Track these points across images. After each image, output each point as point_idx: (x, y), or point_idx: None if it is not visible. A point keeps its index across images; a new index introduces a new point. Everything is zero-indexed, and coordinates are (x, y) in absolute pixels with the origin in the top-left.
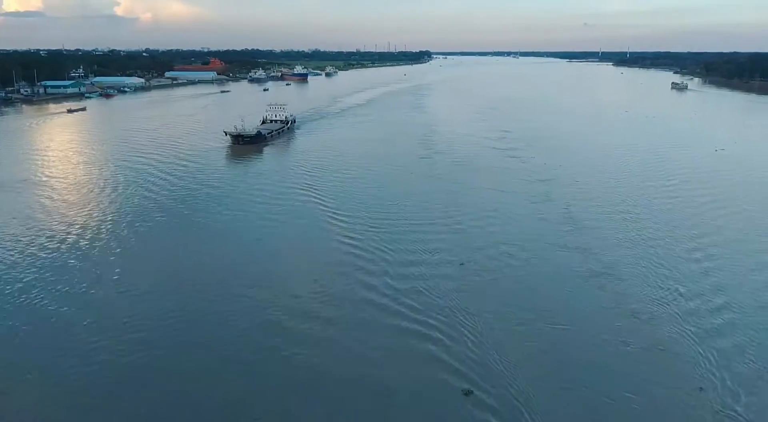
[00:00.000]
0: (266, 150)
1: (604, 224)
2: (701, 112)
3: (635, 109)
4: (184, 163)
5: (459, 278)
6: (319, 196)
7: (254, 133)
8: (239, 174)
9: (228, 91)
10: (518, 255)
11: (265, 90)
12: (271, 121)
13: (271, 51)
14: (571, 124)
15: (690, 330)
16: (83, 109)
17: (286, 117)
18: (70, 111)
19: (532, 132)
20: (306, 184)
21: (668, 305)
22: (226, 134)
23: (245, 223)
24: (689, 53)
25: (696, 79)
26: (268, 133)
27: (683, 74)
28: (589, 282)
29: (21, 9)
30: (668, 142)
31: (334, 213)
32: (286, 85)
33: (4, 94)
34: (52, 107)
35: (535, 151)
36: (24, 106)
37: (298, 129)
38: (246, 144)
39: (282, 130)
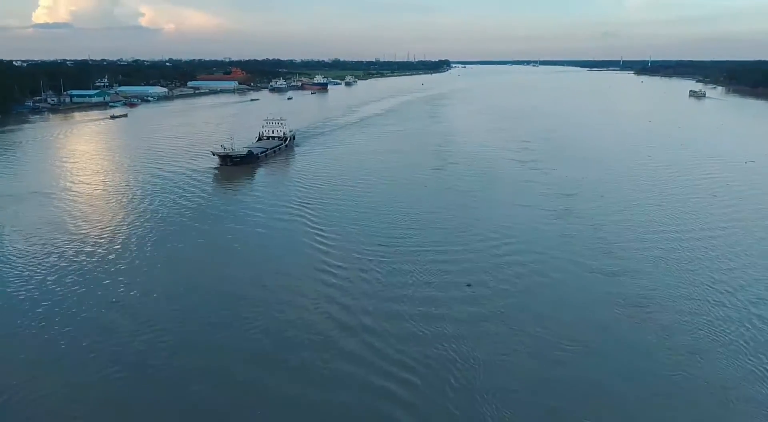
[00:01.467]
0: (259, 172)
1: (636, 244)
2: (723, 120)
3: (657, 118)
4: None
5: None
6: (312, 226)
7: (244, 152)
8: (222, 202)
9: (257, 100)
10: (540, 280)
11: (289, 99)
12: (268, 138)
13: (291, 61)
14: (594, 134)
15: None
16: (125, 116)
17: (284, 133)
18: (113, 117)
19: (552, 143)
20: (300, 216)
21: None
22: (213, 155)
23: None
24: (712, 61)
25: (719, 88)
26: (262, 152)
27: (706, 83)
28: (627, 313)
29: (50, 21)
30: (695, 153)
31: (328, 250)
32: (311, 93)
33: (32, 104)
34: (78, 116)
35: (556, 163)
36: (50, 114)
37: (297, 146)
38: (235, 165)
39: (279, 147)
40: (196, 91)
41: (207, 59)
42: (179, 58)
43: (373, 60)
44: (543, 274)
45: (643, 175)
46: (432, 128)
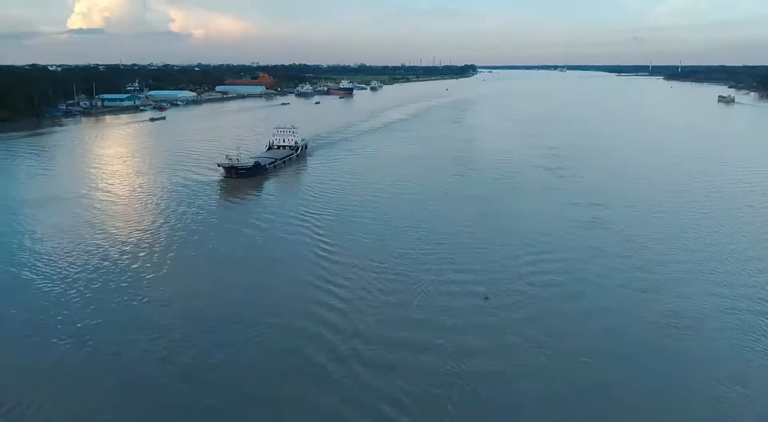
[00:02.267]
0: (267, 184)
1: (671, 257)
2: (757, 128)
3: (689, 124)
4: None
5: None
6: (320, 247)
7: (251, 164)
8: (219, 220)
9: (288, 104)
10: (571, 309)
11: (317, 103)
12: (279, 147)
13: (318, 66)
14: (623, 140)
15: None
16: (163, 119)
17: (296, 142)
18: (152, 119)
19: (580, 150)
20: (306, 232)
21: None
22: (218, 166)
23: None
24: (744, 67)
25: (752, 94)
26: (270, 163)
27: (738, 88)
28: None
29: (84, 26)
30: (728, 161)
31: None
32: (340, 98)
33: (65, 107)
34: (109, 119)
35: (584, 171)
36: (83, 117)
37: (310, 156)
38: (241, 177)
39: (290, 157)
40: (224, 96)
41: (235, 64)
42: (208, 62)
43: (399, 65)
44: (566, 287)
45: (673, 182)
46: (455, 134)
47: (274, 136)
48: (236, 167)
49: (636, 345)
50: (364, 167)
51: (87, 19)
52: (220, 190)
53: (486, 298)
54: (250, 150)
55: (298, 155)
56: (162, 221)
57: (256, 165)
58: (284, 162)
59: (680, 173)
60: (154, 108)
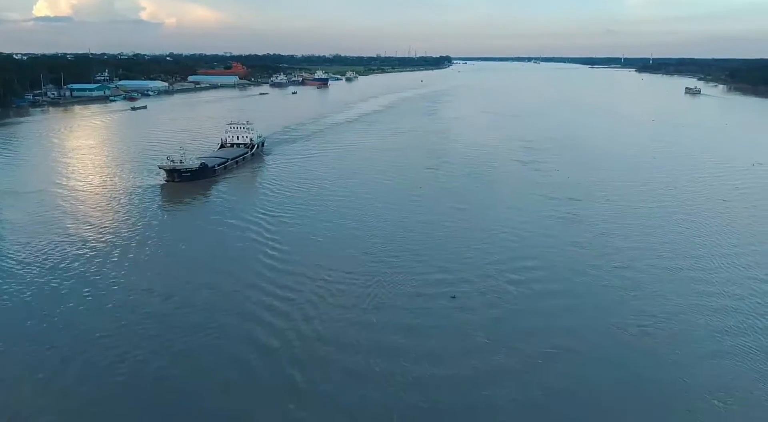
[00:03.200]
0: (215, 189)
1: (645, 255)
2: (718, 118)
3: (660, 116)
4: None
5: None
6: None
7: (196, 165)
8: (149, 237)
9: (266, 94)
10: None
11: (293, 93)
12: (232, 145)
13: (292, 56)
14: (597, 133)
15: None
16: (144, 108)
17: (251, 139)
18: (133, 108)
19: (554, 142)
20: (259, 239)
21: None
22: (159, 168)
23: None
24: (714, 60)
25: (720, 86)
26: (220, 164)
27: (707, 81)
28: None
29: (51, 14)
30: (699, 153)
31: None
32: (318, 88)
33: (32, 97)
34: (78, 109)
35: (558, 164)
36: (51, 108)
37: (267, 154)
38: (185, 181)
39: (244, 157)
40: (197, 86)
41: (208, 54)
42: (180, 52)
43: (374, 56)
44: (536, 283)
45: (647, 178)
46: (429, 126)
47: (226, 132)
48: (179, 170)
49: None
50: (329, 164)
51: (54, 6)
52: (160, 196)
53: (453, 297)
54: (201, 148)
55: (253, 154)
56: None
57: (203, 167)
58: (236, 162)
59: (651, 167)
60: (125, 98)
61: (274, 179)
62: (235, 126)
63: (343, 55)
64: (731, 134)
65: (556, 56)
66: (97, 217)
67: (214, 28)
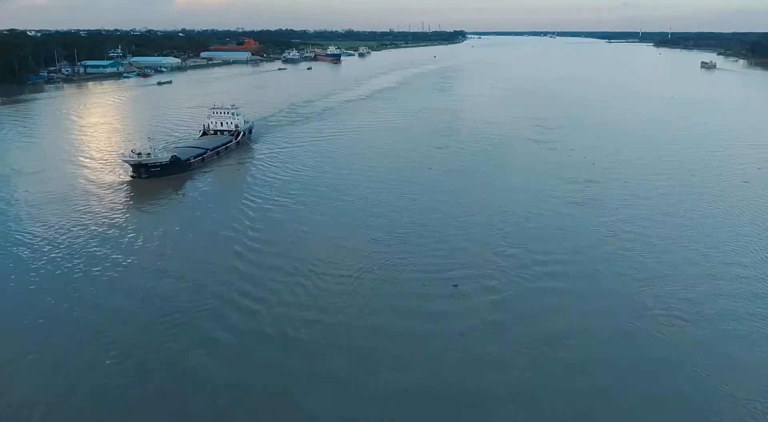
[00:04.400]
0: (188, 187)
1: (668, 244)
2: (739, 93)
3: (679, 93)
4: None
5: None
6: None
7: (166, 159)
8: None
9: (284, 69)
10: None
11: (308, 69)
12: (215, 132)
13: (304, 31)
14: (614, 111)
15: None
16: (170, 82)
17: (236, 125)
18: (159, 83)
19: (570, 120)
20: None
21: None
22: (124, 162)
23: None
24: (734, 34)
25: (740, 61)
26: (197, 156)
27: (727, 55)
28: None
29: None
30: (720, 132)
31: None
32: (330, 64)
33: (46, 74)
34: (92, 85)
35: (574, 143)
36: (65, 85)
37: (256, 142)
38: (154, 177)
39: (227, 146)
40: (209, 62)
41: (220, 29)
42: (192, 28)
43: (387, 30)
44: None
45: (666, 157)
46: (441, 104)
47: (209, 118)
48: (146, 164)
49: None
50: (328, 149)
51: None
52: (122, 196)
53: (455, 286)
54: (178, 135)
55: (238, 142)
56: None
57: (174, 160)
58: (218, 153)
59: (671, 147)
60: (138, 74)
61: (260, 173)
62: (219, 111)
63: (355, 30)
64: (753, 111)
65: (572, 31)
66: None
67: (226, 3)
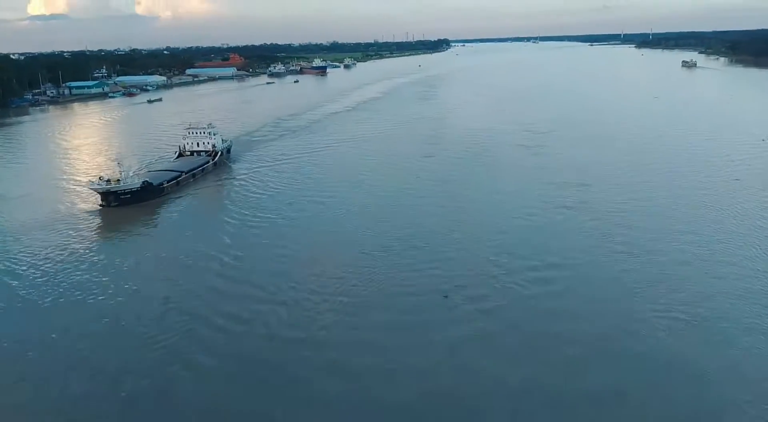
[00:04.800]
0: (161, 214)
1: (664, 246)
2: (722, 91)
3: (662, 92)
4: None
5: None
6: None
7: (137, 185)
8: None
9: (272, 83)
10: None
11: (295, 81)
12: (192, 153)
13: (289, 45)
14: (600, 114)
15: None
16: (160, 100)
17: (213, 145)
18: (149, 101)
19: (556, 124)
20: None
21: None
22: (92, 190)
23: None
24: (714, 32)
25: (722, 59)
26: (171, 180)
27: (708, 54)
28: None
29: (46, 12)
30: (706, 131)
31: None
32: (321, 76)
33: (31, 96)
34: (77, 107)
35: (562, 147)
36: (50, 107)
37: (234, 162)
38: (125, 205)
39: (203, 168)
40: (195, 79)
41: (204, 46)
42: (176, 45)
43: (372, 41)
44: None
45: (654, 158)
46: (425, 113)
47: (184, 138)
48: (115, 192)
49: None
50: (312, 165)
51: (49, 4)
52: (90, 227)
53: (445, 297)
54: (167, 155)
55: (216, 163)
56: None
57: (146, 186)
58: (193, 175)
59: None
60: (124, 94)
61: (239, 195)
62: (195, 131)
63: (340, 42)
64: (738, 108)
65: (554, 35)
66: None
67: (210, 19)
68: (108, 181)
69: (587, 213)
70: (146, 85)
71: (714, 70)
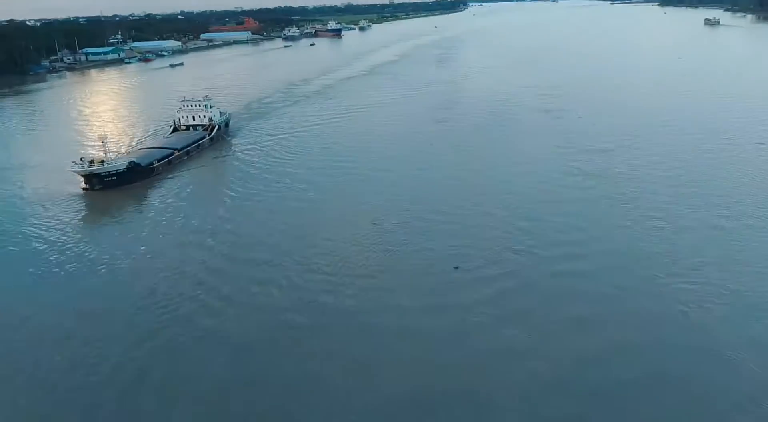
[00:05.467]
0: (151, 198)
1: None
2: (748, 51)
3: (686, 52)
4: None
5: None
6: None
7: (123, 166)
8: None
9: (290, 46)
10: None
11: (311, 44)
12: (187, 128)
13: (303, 7)
14: (621, 75)
15: None
16: (181, 64)
17: (210, 119)
18: (172, 66)
19: (575, 87)
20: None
21: None
22: (74, 173)
23: None
24: None
25: (749, 16)
26: (162, 159)
27: (735, 11)
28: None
29: None
30: (731, 92)
31: None
32: (336, 39)
33: (48, 63)
34: (95, 73)
35: (582, 110)
36: (68, 73)
37: (234, 136)
38: (110, 187)
39: (199, 144)
40: (210, 44)
41: (219, 10)
42: (191, 10)
43: (387, 2)
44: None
45: (676, 122)
46: (441, 75)
47: (179, 112)
48: (99, 174)
49: None
50: (313, 138)
51: None
52: (70, 212)
53: (456, 268)
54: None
55: (212, 138)
56: None
57: (133, 167)
58: (188, 153)
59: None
60: (140, 59)
61: (239, 174)
62: (189, 103)
63: (355, 3)
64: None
65: None
66: None
67: None
68: (91, 161)
69: (612, 183)
70: (161, 51)
71: (739, 27)
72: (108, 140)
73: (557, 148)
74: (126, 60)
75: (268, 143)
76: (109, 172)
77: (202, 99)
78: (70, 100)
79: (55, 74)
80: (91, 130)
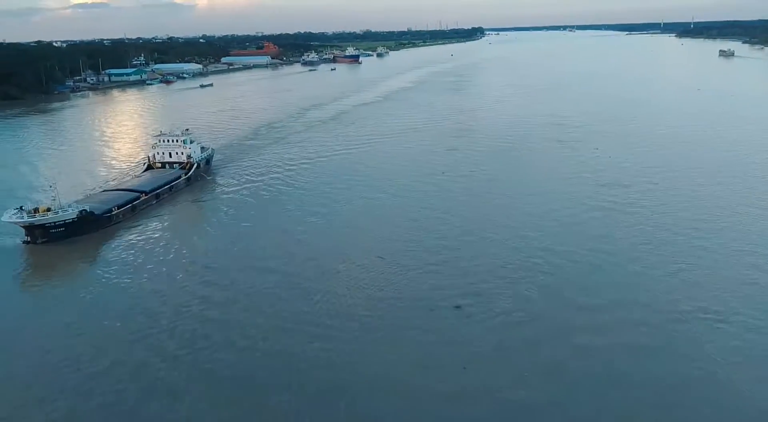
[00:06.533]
0: (107, 253)
1: (714, 256)
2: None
3: (707, 85)
4: None
5: None
6: None
7: (74, 214)
8: None
9: (314, 70)
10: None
11: (332, 70)
12: (163, 165)
13: (323, 33)
14: (637, 107)
15: None
16: (211, 85)
17: (188, 156)
18: (202, 86)
19: (591, 118)
20: None
21: None
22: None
23: None
24: (760, 21)
25: (766, 49)
26: (123, 205)
27: (752, 43)
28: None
29: (88, 1)
30: (751, 125)
31: None
32: (354, 65)
33: (72, 83)
34: (116, 93)
35: (598, 142)
36: (90, 93)
37: (219, 175)
38: (56, 240)
39: (172, 186)
40: (230, 67)
41: (239, 34)
42: (212, 34)
43: (405, 30)
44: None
45: (698, 158)
46: (455, 103)
47: (153, 148)
48: (43, 225)
49: None
50: (322, 167)
51: None
52: (3, 273)
53: (458, 307)
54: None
55: (189, 178)
56: None
57: (85, 215)
58: (157, 196)
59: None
60: (161, 81)
61: (215, 222)
62: (166, 138)
63: (373, 30)
64: None
65: (591, 24)
66: None
67: (245, 8)
68: (36, 209)
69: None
70: (183, 73)
71: (754, 59)
72: (85, 173)
73: (573, 179)
74: (148, 81)
75: (261, 180)
76: (55, 222)
77: (180, 133)
78: (82, 120)
79: (79, 93)
80: (85, 154)
